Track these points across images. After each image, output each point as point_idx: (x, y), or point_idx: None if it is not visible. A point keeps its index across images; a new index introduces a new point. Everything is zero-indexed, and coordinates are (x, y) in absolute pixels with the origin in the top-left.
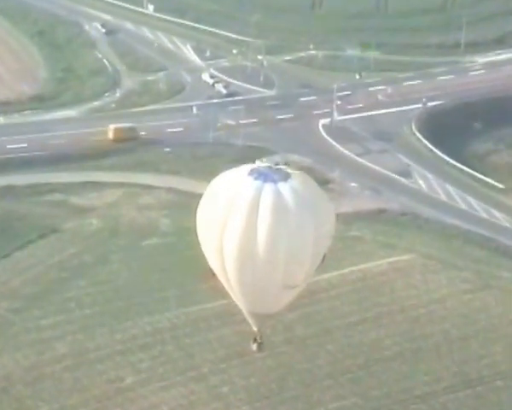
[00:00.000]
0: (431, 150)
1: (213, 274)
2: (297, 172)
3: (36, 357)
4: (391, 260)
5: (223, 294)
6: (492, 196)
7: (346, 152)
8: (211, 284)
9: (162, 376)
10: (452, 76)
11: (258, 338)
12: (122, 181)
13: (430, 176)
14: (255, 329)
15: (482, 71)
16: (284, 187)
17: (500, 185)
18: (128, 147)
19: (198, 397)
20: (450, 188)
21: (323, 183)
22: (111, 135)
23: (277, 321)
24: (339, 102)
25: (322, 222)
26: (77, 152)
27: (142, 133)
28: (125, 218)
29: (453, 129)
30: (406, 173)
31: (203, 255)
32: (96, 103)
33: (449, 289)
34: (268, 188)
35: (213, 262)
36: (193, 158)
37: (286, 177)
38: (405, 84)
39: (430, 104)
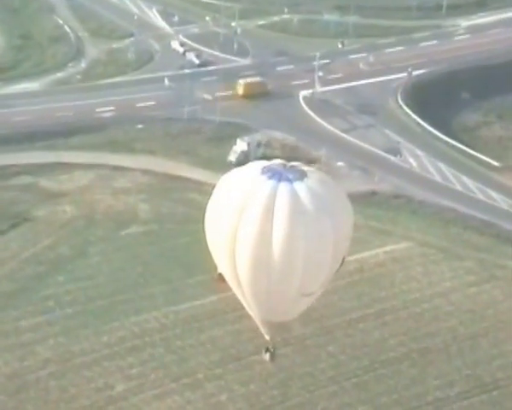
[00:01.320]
0: (419, 124)
1: (223, 279)
2: (312, 169)
3: (18, 363)
4: (387, 248)
5: (211, 289)
6: (488, 176)
7: (331, 128)
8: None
9: (155, 383)
10: (435, 42)
11: (270, 348)
12: (93, 162)
13: (421, 153)
14: (268, 338)
15: (467, 36)
16: (300, 187)
17: (496, 163)
18: (104, 123)
19: (195, 407)
20: (443, 166)
21: (308, 163)
22: (241, 90)
23: None
24: (320, 74)
25: (341, 224)
26: (43, 130)
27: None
28: (100, 204)
29: (440, 100)
30: (395, 151)
31: (190, 247)
32: (59, 75)
33: (452, 282)
34: (283, 188)
35: (224, 269)
36: (167, 135)
37: (302, 175)
38: (387, 51)
39: (415, 73)
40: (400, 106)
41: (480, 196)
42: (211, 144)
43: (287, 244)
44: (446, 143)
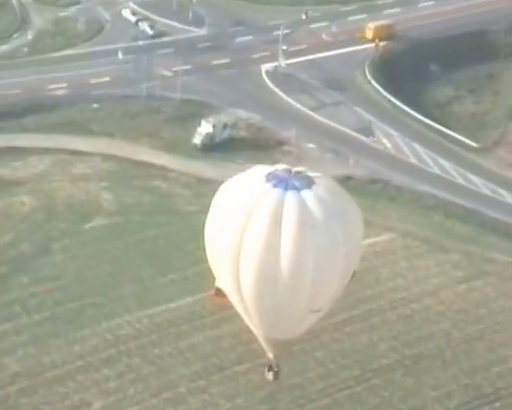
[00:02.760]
0: (390, 101)
1: (221, 294)
2: (319, 174)
3: None
4: (369, 241)
5: (187, 290)
6: (467, 158)
7: (298, 106)
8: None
9: (134, 398)
10: (400, 9)
11: (274, 366)
12: (48, 146)
13: (394, 133)
14: (271, 356)
15: (432, 2)
16: (309, 196)
17: (473, 144)
18: (57, 102)
19: None
20: (419, 147)
21: (277, 144)
22: (370, 34)
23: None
24: (284, 47)
25: (351, 234)
26: None
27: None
28: (60, 193)
29: (408, 73)
30: (368, 131)
31: (159, 241)
32: (4, 47)
33: (440, 278)
34: (291, 198)
35: (226, 284)
36: (126, 115)
37: (309, 183)
38: (350, 19)
39: (381, 44)
40: (369, 81)
41: (460, 181)
42: (173, 125)
43: (296, 258)
44: (419, 121)
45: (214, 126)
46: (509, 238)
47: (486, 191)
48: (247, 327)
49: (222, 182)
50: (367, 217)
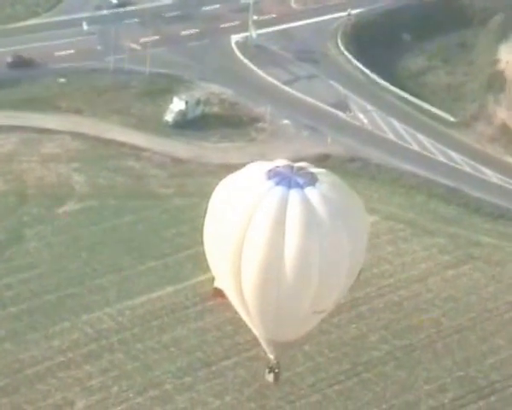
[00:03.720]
0: (364, 73)
1: (220, 294)
2: (322, 170)
3: None
4: None
5: (168, 279)
6: (445, 133)
7: (271, 79)
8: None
9: (118, 396)
10: None
11: (275, 368)
12: (14, 124)
13: (370, 107)
14: (272, 357)
15: None
16: (313, 194)
17: (451, 118)
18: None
19: None
20: (396, 122)
21: (251, 121)
22: None
23: (239, 318)
24: (255, 17)
25: (357, 233)
26: None
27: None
28: (29, 175)
29: (380, 43)
30: (343, 106)
31: (136, 227)
32: None
33: (427, 264)
34: (295, 196)
35: (226, 285)
36: (94, 91)
37: (312, 180)
38: None
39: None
40: (342, 52)
41: (441, 158)
42: (143, 101)
43: (301, 260)
44: (395, 94)
45: (187, 103)
46: (493, 219)
47: (468, 169)
48: (232, 319)
49: (196, 162)
50: None
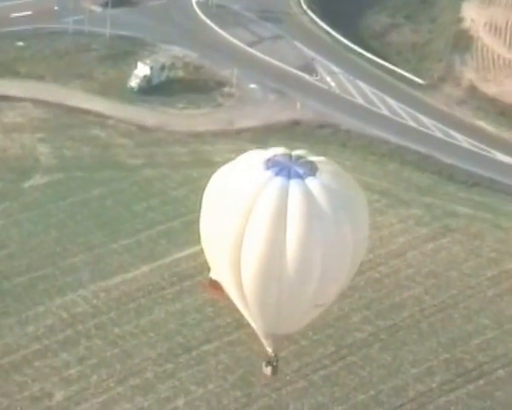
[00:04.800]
0: (329, 33)
1: (216, 286)
2: (321, 158)
3: None
4: None
5: (142, 258)
6: (414, 96)
7: (235, 41)
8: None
9: (98, 386)
10: None
11: (273, 361)
12: None
13: (337, 70)
14: (270, 350)
15: None
16: (314, 184)
17: (419, 80)
18: None
19: None
20: (364, 86)
21: (217, 85)
22: None
23: (216, 302)
24: None
25: (359, 223)
26: None
27: None
28: None
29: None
30: (310, 68)
31: (105, 201)
32: None
33: (405, 237)
34: (295, 187)
35: (225, 278)
36: (54, 54)
37: (312, 169)
38: None
39: None
40: (304, 11)
41: (411, 123)
42: (105, 64)
43: (303, 253)
44: (361, 55)
45: (152, 68)
46: (467, 187)
47: (439, 134)
48: (211, 300)
49: (163, 130)
50: None
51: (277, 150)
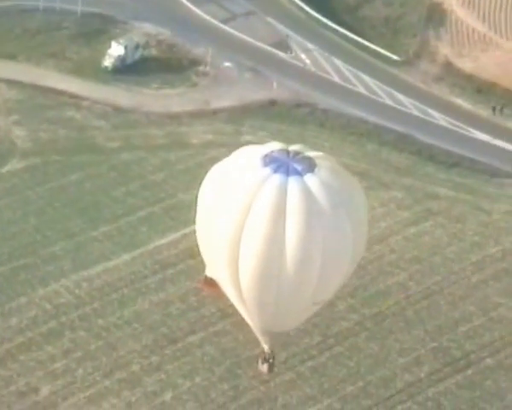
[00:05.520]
0: (302, 9)
1: (211, 284)
2: (319, 153)
3: None
4: None
5: (123, 246)
6: (390, 73)
7: (208, 18)
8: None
9: (85, 380)
10: None
11: (269, 358)
12: None
13: (311, 46)
14: (266, 347)
15: None
16: (313, 181)
17: (394, 57)
18: None
19: None
20: (339, 63)
21: (191, 64)
22: None
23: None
24: None
25: (359, 221)
26: None
27: None
28: None
29: None
30: (284, 45)
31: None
32: None
33: (386, 221)
34: (294, 184)
35: (221, 276)
36: (25, 33)
37: (311, 165)
38: None
39: None
40: None
41: (388, 101)
42: (78, 43)
43: (302, 251)
44: (335, 31)
45: (126, 48)
46: (447, 168)
47: (416, 112)
48: (195, 289)
49: (139, 111)
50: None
51: (274, 146)
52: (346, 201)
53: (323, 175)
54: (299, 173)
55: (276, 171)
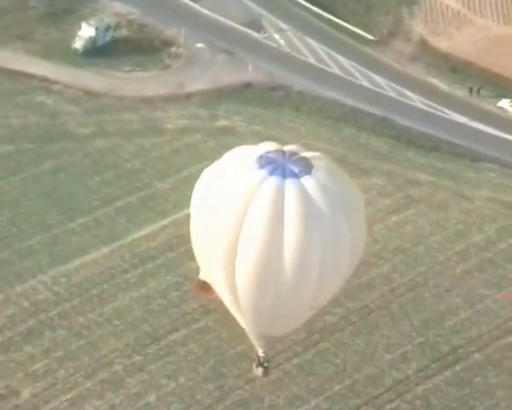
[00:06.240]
0: None
1: (205, 288)
2: (315, 154)
3: None
4: None
5: (101, 238)
6: (364, 53)
7: None
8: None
9: (66, 381)
10: None
11: (264, 362)
12: None
13: (285, 26)
14: (261, 351)
15: None
16: (311, 184)
17: (369, 36)
18: None
19: None
20: (314, 43)
21: (163, 45)
22: None
23: (182, 283)
24: None
25: (357, 223)
26: None
27: None
28: None
29: None
30: (258, 25)
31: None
32: None
33: (368, 210)
34: (291, 187)
35: (217, 281)
36: None
37: (307, 167)
38: None
39: None
40: None
41: (364, 83)
42: (46, 24)
43: (301, 255)
44: (308, 9)
45: (97, 29)
46: (426, 152)
47: (393, 95)
48: (176, 284)
49: (112, 96)
50: (274, 133)
51: (269, 146)
52: (344, 203)
53: (321, 177)
54: (296, 175)
55: (272, 173)
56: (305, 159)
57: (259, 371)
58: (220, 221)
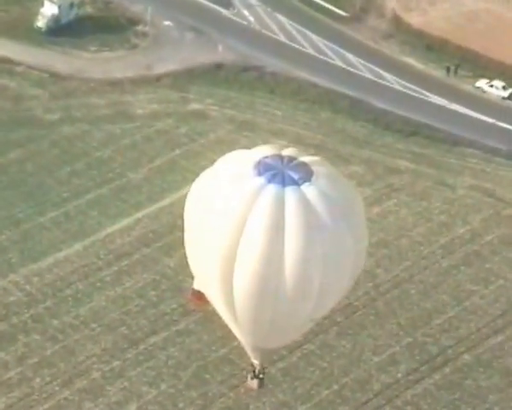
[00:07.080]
0: None
1: (199, 297)
2: (314, 158)
3: None
4: None
5: (73, 234)
6: (337, 30)
7: None
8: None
9: (42, 390)
10: None
11: (259, 373)
12: None
13: (254, 2)
14: (257, 363)
15: None
16: (311, 192)
17: (342, 12)
18: None
19: None
20: (284, 20)
21: (129, 24)
22: None
23: (159, 281)
24: None
25: (359, 232)
26: None
27: None
28: None
29: None
30: (226, 1)
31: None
32: None
33: None
34: (291, 195)
35: (213, 292)
36: None
37: (307, 173)
38: None
39: None
40: None
41: (338, 63)
42: (6, 1)
43: (302, 269)
44: None
45: (60, 7)
46: (405, 137)
47: (368, 75)
48: (153, 281)
49: (78, 78)
50: (248, 118)
51: (265, 150)
52: (348, 213)
53: (322, 184)
54: (296, 183)
55: (271, 181)
56: (305, 164)
57: (254, 383)
58: (217, 232)
